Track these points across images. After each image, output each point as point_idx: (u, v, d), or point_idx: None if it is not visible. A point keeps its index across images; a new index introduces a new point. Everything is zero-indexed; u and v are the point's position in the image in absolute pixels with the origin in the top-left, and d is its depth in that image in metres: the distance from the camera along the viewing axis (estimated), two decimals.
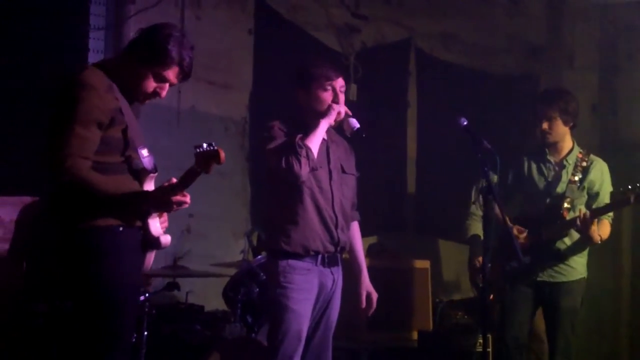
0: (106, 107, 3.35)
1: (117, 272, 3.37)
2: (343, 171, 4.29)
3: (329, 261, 4.17)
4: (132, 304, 3.56)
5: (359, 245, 4.49)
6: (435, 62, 7.68)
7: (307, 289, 4.10)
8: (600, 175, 5.19)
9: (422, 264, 6.63)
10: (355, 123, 4.15)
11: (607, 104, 7.99)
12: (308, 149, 4.01)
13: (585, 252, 5.19)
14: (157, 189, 3.42)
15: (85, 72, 3.41)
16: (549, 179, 5.17)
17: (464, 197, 5.48)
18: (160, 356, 4.83)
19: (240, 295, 5.09)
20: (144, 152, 3.51)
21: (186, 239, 5.83)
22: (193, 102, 6.09)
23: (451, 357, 5.93)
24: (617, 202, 5.01)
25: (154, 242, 3.51)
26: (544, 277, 5.08)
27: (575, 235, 5.09)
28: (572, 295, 5.12)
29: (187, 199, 3.40)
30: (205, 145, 3.23)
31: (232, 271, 5.29)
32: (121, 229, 3.38)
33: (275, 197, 4.17)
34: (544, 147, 5.20)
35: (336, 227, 4.17)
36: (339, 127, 4.28)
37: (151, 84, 3.51)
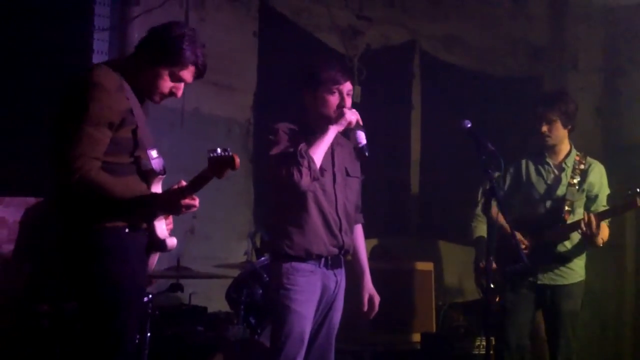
0: (117, 108, 3.34)
1: (122, 272, 3.36)
2: (347, 174, 4.29)
3: (332, 263, 4.17)
4: (136, 305, 3.55)
5: (362, 248, 4.49)
6: (439, 64, 7.68)
7: (310, 290, 4.10)
8: (600, 178, 5.21)
9: (426, 266, 6.63)
10: (362, 138, 4.11)
11: (610, 106, 7.99)
12: (310, 160, 3.98)
13: (584, 255, 5.20)
14: (166, 192, 3.39)
15: (96, 71, 3.38)
16: (549, 182, 5.17)
17: (467, 199, 5.48)
18: (163, 357, 4.83)
19: (244, 296, 5.10)
20: (153, 154, 3.50)
21: (190, 240, 5.84)
22: (197, 103, 6.09)
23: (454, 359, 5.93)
24: (623, 206, 5.00)
25: (160, 245, 3.51)
26: (544, 280, 5.08)
27: (575, 238, 5.10)
28: (572, 298, 5.13)
29: (196, 202, 3.37)
30: (219, 150, 3.19)
31: (236, 272, 5.29)
32: (127, 230, 3.38)
33: (279, 201, 4.17)
34: (542, 150, 5.20)
35: (340, 230, 4.17)
36: (345, 131, 4.29)
37: (167, 84, 3.51)
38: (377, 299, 4.42)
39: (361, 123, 4.12)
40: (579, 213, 5.10)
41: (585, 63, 8.05)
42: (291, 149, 4.03)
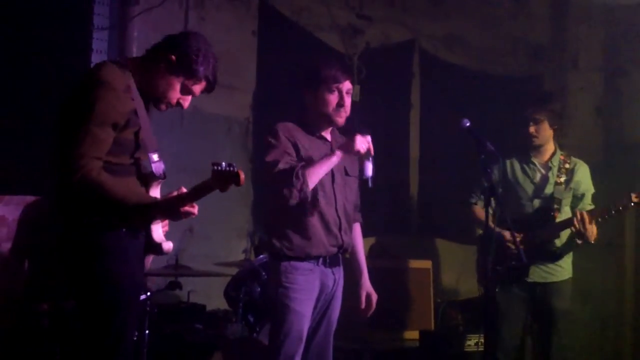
0: (123, 109, 3.31)
1: (122, 272, 3.36)
2: (346, 174, 4.29)
3: (331, 261, 4.18)
4: (135, 304, 3.55)
5: (360, 246, 4.50)
6: (438, 63, 7.68)
7: (309, 289, 4.10)
8: (586, 177, 5.30)
9: (424, 264, 6.65)
10: (369, 171, 4.09)
11: (611, 106, 7.99)
12: (304, 183, 3.97)
13: (571, 253, 5.22)
14: (166, 199, 3.38)
15: (104, 70, 3.34)
16: (536, 181, 5.21)
17: (466, 198, 5.50)
18: (161, 355, 4.84)
19: (242, 294, 5.10)
20: (154, 157, 3.48)
21: (189, 238, 5.84)
22: (197, 102, 6.00)
23: (453, 358, 5.93)
24: (617, 204, 5.02)
25: (156, 248, 3.49)
26: (535, 277, 5.10)
27: (564, 236, 5.13)
28: (563, 295, 5.16)
29: (195, 210, 3.36)
30: (224, 164, 3.17)
31: (234, 271, 5.30)
32: (125, 230, 3.37)
33: (277, 202, 4.16)
34: (527, 150, 5.23)
35: (340, 229, 4.17)
36: (344, 128, 4.29)
37: (177, 95, 3.50)
38: (374, 298, 4.42)
39: (372, 153, 4.09)
40: (566, 211, 5.18)
41: (586, 62, 8.06)
42: (288, 164, 4.02)
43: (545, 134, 5.18)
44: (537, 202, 5.17)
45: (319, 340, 4.20)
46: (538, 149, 5.23)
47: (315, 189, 4.09)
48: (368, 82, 7.00)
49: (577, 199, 5.24)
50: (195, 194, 3.30)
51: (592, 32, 8.05)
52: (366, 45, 7.23)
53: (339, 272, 4.26)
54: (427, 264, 6.64)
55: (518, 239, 4.97)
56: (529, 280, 5.09)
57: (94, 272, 3.33)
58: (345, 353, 5.53)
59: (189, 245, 5.74)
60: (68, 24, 5.43)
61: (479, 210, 5.30)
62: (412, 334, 6.23)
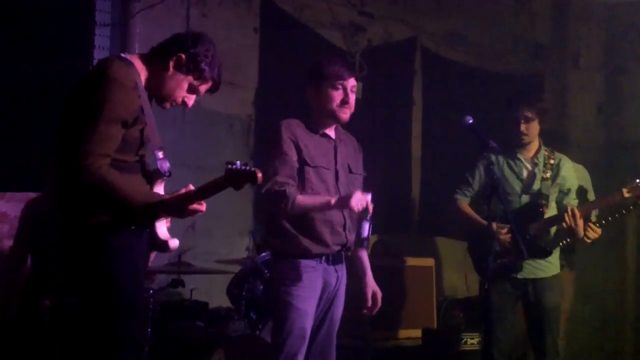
0: (132, 106, 3.29)
1: (127, 272, 3.34)
2: (350, 171, 4.28)
3: (334, 259, 4.17)
4: (138, 304, 3.54)
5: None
6: (440, 61, 7.68)
7: (312, 287, 4.09)
8: (571, 172, 5.32)
9: (426, 262, 6.65)
10: (365, 232, 4.09)
11: (612, 104, 8.00)
12: (291, 210, 4.00)
13: (559, 248, 5.22)
14: (175, 197, 3.35)
15: (113, 67, 3.30)
16: (523, 177, 5.21)
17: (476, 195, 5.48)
18: (164, 353, 4.83)
19: (245, 292, 5.09)
20: (160, 154, 3.48)
21: (191, 236, 5.84)
22: (198, 99, 6.02)
23: (455, 356, 5.93)
24: (609, 199, 5.10)
25: (162, 246, 3.47)
26: (526, 274, 5.09)
27: (552, 231, 5.14)
28: (553, 291, 5.16)
29: (203, 207, 3.36)
30: (239, 163, 3.18)
31: (237, 268, 5.30)
32: (132, 227, 3.35)
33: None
34: (514, 146, 5.22)
35: (344, 228, 4.16)
36: (347, 125, 4.28)
37: (183, 93, 3.51)
38: (379, 295, 4.40)
39: (370, 212, 4.07)
40: (553, 207, 5.20)
41: (587, 61, 8.07)
42: (282, 183, 4.02)
43: (534, 131, 5.21)
44: (525, 198, 5.18)
45: (322, 338, 4.19)
46: (525, 146, 5.24)
47: (319, 188, 4.09)
48: (370, 79, 6.99)
49: (563, 194, 5.26)
50: (204, 192, 3.29)
51: (593, 31, 8.07)
52: (368, 42, 7.23)
53: (342, 269, 4.25)
54: (429, 262, 6.64)
55: (508, 235, 4.98)
56: (520, 277, 5.08)
57: (100, 272, 3.30)
58: (348, 351, 5.51)
59: (192, 243, 5.73)
60: (70, 20, 5.42)
61: (465, 205, 5.31)
62: (415, 332, 6.22)
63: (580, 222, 4.98)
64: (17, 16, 5.23)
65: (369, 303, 4.38)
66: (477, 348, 5.83)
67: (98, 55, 5.55)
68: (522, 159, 5.25)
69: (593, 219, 5.25)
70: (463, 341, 5.92)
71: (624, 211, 5.20)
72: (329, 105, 4.14)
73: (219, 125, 6.29)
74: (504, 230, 4.99)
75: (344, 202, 3.96)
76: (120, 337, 3.33)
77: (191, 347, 4.92)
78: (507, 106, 5.27)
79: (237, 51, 6.35)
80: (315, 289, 4.10)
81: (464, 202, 5.33)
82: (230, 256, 5.71)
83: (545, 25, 8.27)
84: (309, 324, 4.08)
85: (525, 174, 5.22)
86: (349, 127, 4.34)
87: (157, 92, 3.48)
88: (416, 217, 7.58)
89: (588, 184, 5.93)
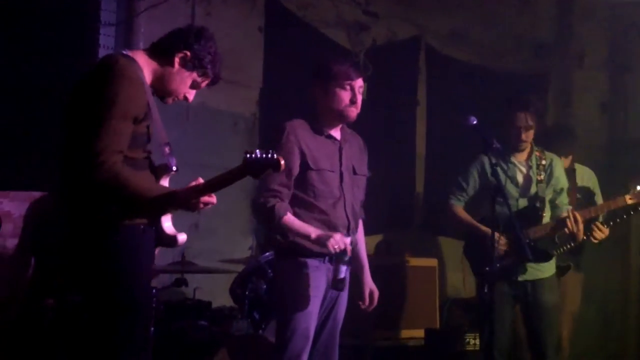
0: (142, 102, 3.30)
1: (135, 271, 3.35)
2: (354, 172, 4.27)
3: (349, 258, 4.15)
4: (145, 301, 3.60)
5: (362, 243, 4.48)
6: (445, 60, 7.68)
7: (315, 286, 4.08)
8: (562, 172, 5.34)
9: (430, 262, 6.65)
10: (341, 274, 3.97)
11: (616, 103, 8.00)
12: (276, 227, 4.03)
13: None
14: (187, 189, 3.36)
15: (120, 62, 3.30)
16: (519, 180, 5.19)
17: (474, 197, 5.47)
18: (167, 352, 4.83)
19: (248, 291, 5.09)
20: (166, 150, 3.49)
21: (194, 235, 5.83)
22: (203, 97, 6.05)
23: (457, 356, 5.93)
24: (613, 203, 5.14)
25: (170, 241, 3.48)
26: (526, 276, 5.08)
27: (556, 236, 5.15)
28: (552, 291, 5.17)
29: (214, 199, 3.37)
30: (258, 152, 3.18)
31: (240, 268, 5.30)
32: (142, 227, 3.36)
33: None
34: (509, 149, 5.19)
35: (348, 230, 4.16)
36: (351, 124, 4.28)
37: (186, 89, 3.54)
38: (376, 294, 4.41)
39: (349, 254, 3.99)
40: (547, 208, 5.20)
41: (591, 59, 8.05)
42: (275, 196, 4.03)
43: (531, 136, 5.21)
44: (522, 202, 5.16)
45: (325, 338, 4.19)
46: (522, 150, 5.23)
47: (322, 193, 4.09)
48: (374, 78, 6.99)
49: (556, 193, 5.27)
50: (219, 183, 3.31)
51: (596, 30, 8.05)
52: (372, 41, 7.22)
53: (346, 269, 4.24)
54: (432, 262, 6.64)
55: (504, 240, 4.97)
56: (520, 279, 5.07)
57: (106, 271, 3.30)
58: (351, 351, 5.53)
59: (195, 242, 5.73)
60: (75, 19, 5.42)
61: (460, 210, 5.29)
62: (417, 332, 6.21)
63: (582, 227, 5.00)
64: (22, 15, 5.23)
65: (367, 302, 4.39)
66: (479, 348, 5.82)
67: (103, 54, 5.53)
68: (516, 162, 5.23)
69: (600, 219, 5.24)
70: (466, 341, 5.92)
71: (626, 215, 5.20)
72: (337, 105, 4.13)
73: (223, 124, 6.29)
74: (502, 241, 4.98)
75: (322, 240, 3.95)
76: (126, 336, 3.33)
77: (194, 346, 4.93)
78: (508, 108, 5.24)
79: (241, 50, 6.35)
80: (318, 288, 4.10)
81: (459, 208, 5.31)
82: (234, 255, 5.71)
83: (549, 24, 8.25)
84: (312, 323, 4.08)
85: (520, 177, 5.21)
86: (353, 126, 4.34)
87: (161, 87, 3.50)
88: (419, 216, 7.58)
89: (595, 187, 5.94)
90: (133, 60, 3.37)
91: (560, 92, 8.17)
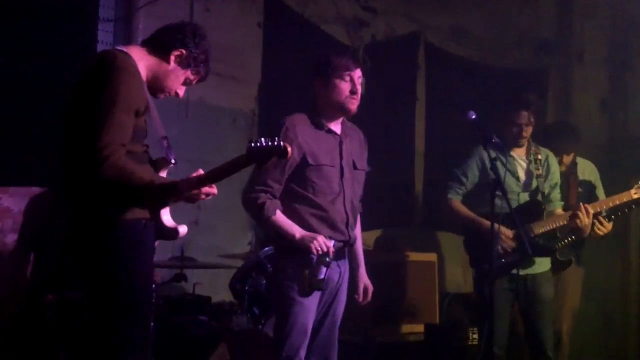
0: (142, 95, 3.33)
1: (139, 266, 3.36)
2: (355, 167, 4.27)
3: (336, 255, 4.16)
4: (147, 302, 3.59)
5: (359, 238, 4.47)
6: (444, 56, 7.68)
7: None
8: (557, 168, 5.37)
9: (429, 257, 6.65)
10: (322, 274, 3.99)
11: (616, 99, 7.99)
12: (265, 224, 4.07)
13: None
14: (189, 179, 3.37)
15: (119, 57, 3.32)
16: (518, 175, 5.19)
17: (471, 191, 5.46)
18: (166, 347, 4.83)
19: (248, 287, 5.10)
20: (165, 143, 3.51)
21: (194, 230, 5.84)
22: (202, 94, 6.09)
23: (458, 351, 5.93)
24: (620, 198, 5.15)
25: (171, 233, 3.49)
26: (526, 270, 5.08)
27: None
28: (549, 285, 5.18)
29: (215, 190, 3.40)
30: (263, 140, 3.20)
31: (240, 263, 5.31)
32: (144, 222, 3.36)
33: (283, 200, 4.15)
34: (508, 144, 5.19)
35: (347, 225, 4.16)
36: (353, 119, 4.28)
37: (178, 86, 3.57)
38: (371, 290, 4.41)
39: (331, 256, 4.02)
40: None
41: (591, 56, 8.06)
42: (267, 192, 4.05)
43: (530, 132, 5.22)
44: (524, 196, 5.16)
45: (325, 333, 4.19)
46: (521, 146, 5.24)
47: (321, 189, 4.09)
48: (373, 75, 6.98)
49: (551, 188, 5.28)
50: (222, 173, 3.32)
51: (597, 26, 8.05)
52: (371, 37, 7.23)
53: (345, 265, 4.25)
54: (432, 257, 6.64)
55: (510, 233, 4.97)
56: (521, 273, 5.06)
57: (110, 267, 3.30)
58: (350, 346, 5.52)
59: (195, 238, 5.73)
60: (74, 16, 5.42)
61: (459, 205, 5.27)
62: (417, 328, 6.22)
63: (590, 220, 5.03)
64: (20, 11, 5.23)
65: (361, 297, 4.41)
66: (479, 343, 5.82)
67: (101, 50, 5.54)
68: (515, 156, 5.23)
69: (603, 213, 5.25)
70: (466, 336, 5.92)
71: (627, 209, 5.22)
72: (338, 97, 4.13)
73: (222, 120, 6.29)
74: (509, 234, 4.98)
75: (306, 241, 3.99)
76: (126, 333, 3.33)
77: (194, 341, 4.93)
78: (509, 105, 5.24)
79: (240, 46, 6.36)
80: None
81: (457, 202, 5.29)
82: (233, 251, 5.71)
83: (550, 20, 8.26)
84: (311, 318, 4.08)
85: (520, 171, 5.22)
86: (352, 121, 4.34)
87: (156, 83, 3.51)
88: (419, 212, 7.58)
89: (597, 180, 5.94)
90: (129, 55, 3.38)
91: (560, 89, 8.17)
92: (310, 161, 4.09)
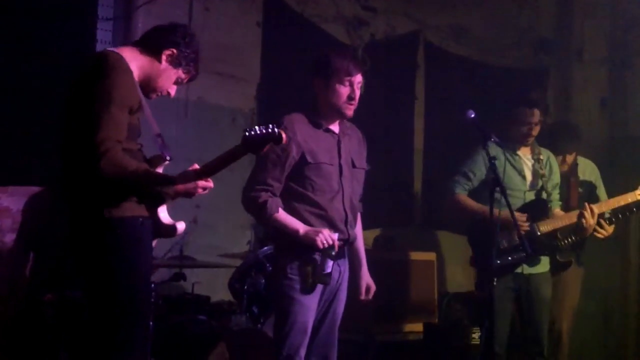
0: (135, 92, 3.39)
1: (139, 262, 3.39)
2: (353, 166, 4.27)
3: (336, 254, 4.16)
4: (146, 294, 3.61)
5: (360, 236, 4.47)
6: (443, 55, 7.68)
7: None
8: (558, 168, 5.37)
9: (428, 256, 6.65)
10: (328, 268, 4.02)
11: (616, 98, 7.98)
12: (267, 222, 4.05)
13: None
14: (185, 172, 3.40)
15: (112, 56, 3.39)
16: (524, 174, 5.18)
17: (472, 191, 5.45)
18: (165, 346, 4.83)
19: (247, 286, 5.11)
20: (159, 141, 3.53)
21: (193, 229, 5.84)
22: (201, 93, 6.09)
23: (456, 350, 5.93)
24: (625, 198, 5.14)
25: (169, 230, 3.53)
26: (530, 269, 5.07)
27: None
28: (547, 285, 5.19)
29: (211, 183, 3.43)
30: (257, 128, 3.24)
31: (239, 262, 5.30)
32: (141, 220, 3.39)
33: (282, 199, 4.15)
34: (514, 142, 5.18)
35: (346, 224, 4.16)
36: (351, 118, 4.28)
37: (170, 85, 3.63)
38: (373, 289, 4.41)
39: (336, 249, 4.03)
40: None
41: (591, 54, 8.05)
42: (268, 191, 4.04)
43: (537, 132, 5.21)
44: (530, 195, 5.15)
45: (324, 332, 4.19)
46: (528, 145, 5.24)
47: (320, 187, 4.09)
48: (372, 74, 6.97)
49: (552, 188, 5.28)
50: (219, 165, 3.34)
51: (597, 25, 8.05)
52: (371, 37, 7.23)
53: (344, 264, 4.24)
54: (431, 256, 6.64)
55: (525, 218, 4.97)
56: (525, 272, 5.05)
57: (108, 265, 3.34)
58: (350, 345, 5.53)
59: (194, 237, 5.73)
60: (73, 14, 5.42)
61: (467, 198, 5.25)
62: (416, 327, 6.22)
63: (595, 221, 5.04)
64: (19, 10, 5.23)
65: (363, 296, 4.41)
66: (478, 342, 5.82)
67: (101, 49, 5.52)
68: (521, 155, 5.23)
69: (606, 214, 5.24)
70: (466, 335, 5.91)
71: (629, 212, 5.22)
72: (336, 100, 4.12)
73: (221, 120, 6.29)
74: (524, 218, 4.97)
75: (311, 235, 3.98)
76: (127, 331, 3.36)
77: (193, 341, 4.93)
78: (517, 104, 5.22)
79: (239, 45, 6.36)
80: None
81: (464, 195, 5.25)
82: (233, 250, 5.71)
83: (549, 19, 8.25)
84: (311, 317, 4.08)
85: (526, 170, 5.21)
86: (351, 120, 4.34)
87: (148, 83, 3.56)
88: (418, 211, 7.58)
89: (598, 180, 5.94)
90: (121, 55, 3.43)
91: (560, 88, 8.17)
92: (309, 159, 4.08)
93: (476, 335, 5.85)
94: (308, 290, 4.02)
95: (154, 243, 3.60)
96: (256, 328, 5.08)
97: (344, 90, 4.11)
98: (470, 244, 5.31)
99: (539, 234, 5.00)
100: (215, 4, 6.28)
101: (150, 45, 3.56)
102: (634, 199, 5.14)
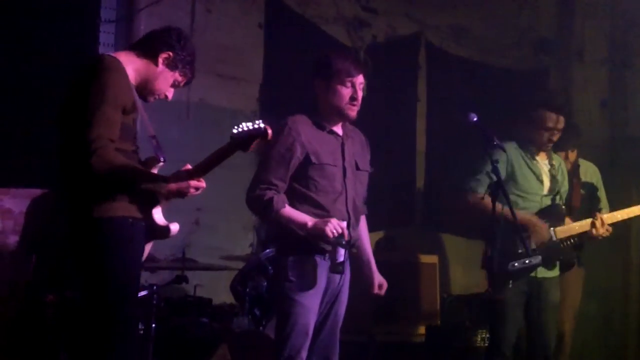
0: (129, 92, 3.44)
1: (128, 263, 3.41)
2: (357, 168, 4.26)
3: (346, 242, 4.15)
4: (137, 293, 3.64)
5: (366, 238, 4.48)
6: (445, 56, 7.67)
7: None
8: (566, 173, 5.35)
9: (430, 259, 6.63)
10: (340, 257, 4.00)
11: (616, 99, 7.98)
12: (274, 218, 4.04)
13: None
14: (177, 172, 3.42)
15: (107, 59, 3.45)
16: (542, 178, 5.16)
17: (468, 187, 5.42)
18: (168, 349, 4.84)
19: (249, 288, 5.11)
20: (154, 142, 3.57)
21: (195, 232, 5.84)
22: (202, 94, 6.10)
23: (458, 353, 5.93)
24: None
25: (163, 231, 3.55)
26: (544, 273, 5.06)
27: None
28: (556, 289, 5.17)
29: (203, 183, 3.44)
30: (244, 125, 3.28)
31: (241, 264, 5.31)
32: (131, 220, 3.41)
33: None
34: (533, 146, 5.17)
35: (348, 226, 4.15)
36: (355, 122, 4.27)
37: (167, 88, 3.66)
38: (385, 287, 4.41)
39: (346, 237, 4.01)
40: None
41: (592, 55, 8.04)
42: (272, 189, 4.03)
43: (557, 138, 5.19)
44: (546, 200, 5.14)
45: (326, 334, 4.19)
46: (546, 150, 5.23)
47: (324, 188, 4.09)
48: (374, 75, 6.97)
49: (564, 193, 5.27)
50: (210, 164, 3.37)
51: (597, 25, 8.04)
52: (372, 38, 7.22)
53: (346, 266, 4.25)
54: (433, 258, 6.63)
55: (544, 227, 4.98)
56: (539, 276, 5.04)
57: (103, 264, 3.36)
58: (351, 346, 5.52)
59: (196, 239, 5.74)
60: (75, 16, 5.42)
61: (488, 200, 5.21)
62: (418, 329, 6.22)
63: (604, 230, 5.07)
64: (22, 12, 5.23)
65: (376, 290, 4.39)
66: (480, 345, 5.82)
67: (103, 51, 5.54)
68: (539, 159, 5.21)
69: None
70: (469, 338, 5.91)
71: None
72: (338, 102, 4.12)
73: (223, 121, 6.27)
74: (544, 225, 4.97)
75: (319, 226, 3.96)
76: (124, 324, 3.39)
77: (195, 343, 4.93)
78: (539, 108, 5.18)
79: (241, 46, 6.36)
80: (318, 285, 4.09)
81: (480, 196, 5.21)
82: (234, 252, 5.73)
83: (550, 19, 8.24)
84: (312, 319, 4.08)
85: (544, 175, 5.18)
86: (353, 122, 4.34)
87: (145, 86, 3.61)
88: (420, 212, 7.57)
89: (599, 182, 5.93)
90: (116, 58, 3.48)
91: (560, 89, 8.16)
92: (314, 160, 4.09)
93: (478, 337, 5.84)
94: (309, 289, 4.03)
95: (149, 245, 3.62)
96: (258, 330, 5.08)
97: (346, 92, 4.11)
98: (487, 246, 5.28)
99: (555, 239, 5.00)
100: (216, 6, 6.28)
101: (147, 49, 3.61)
102: None
